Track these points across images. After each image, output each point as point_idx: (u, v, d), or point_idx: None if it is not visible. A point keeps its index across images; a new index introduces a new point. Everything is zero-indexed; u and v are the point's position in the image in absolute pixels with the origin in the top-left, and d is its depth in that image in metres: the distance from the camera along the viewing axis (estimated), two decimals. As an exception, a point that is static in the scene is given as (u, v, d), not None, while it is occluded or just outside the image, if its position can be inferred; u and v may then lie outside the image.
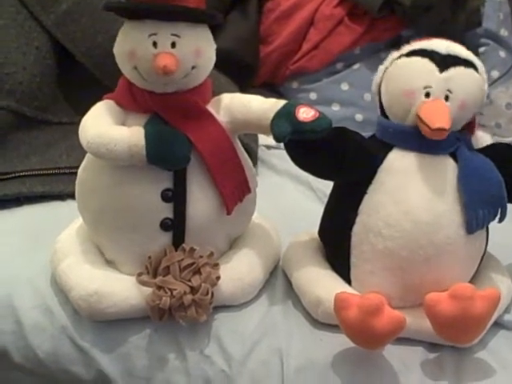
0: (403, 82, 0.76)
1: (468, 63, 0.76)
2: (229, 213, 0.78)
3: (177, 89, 0.75)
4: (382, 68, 0.79)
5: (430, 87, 0.74)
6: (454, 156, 0.76)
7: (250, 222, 0.86)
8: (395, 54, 0.78)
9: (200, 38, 0.75)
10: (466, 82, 0.75)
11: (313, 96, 1.22)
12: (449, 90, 0.74)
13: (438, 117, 0.72)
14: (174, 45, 0.73)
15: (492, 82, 1.17)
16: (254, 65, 1.23)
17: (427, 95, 0.74)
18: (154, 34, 0.73)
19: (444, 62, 0.75)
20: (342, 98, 1.20)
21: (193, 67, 0.74)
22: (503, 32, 1.19)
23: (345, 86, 1.21)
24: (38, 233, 0.91)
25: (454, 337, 0.73)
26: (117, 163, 0.75)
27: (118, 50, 0.76)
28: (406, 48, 0.78)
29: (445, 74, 0.74)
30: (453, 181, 0.75)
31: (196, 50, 0.74)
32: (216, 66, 1.12)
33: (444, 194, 0.75)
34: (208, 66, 0.77)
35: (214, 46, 0.78)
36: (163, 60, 0.71)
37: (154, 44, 0.73)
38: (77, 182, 0.82)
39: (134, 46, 0.73)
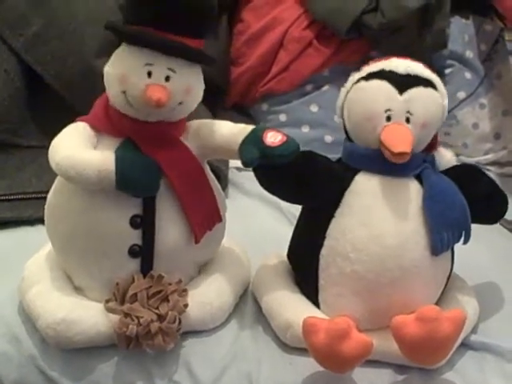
0: (364, 108, 0.76)
1: (427, 82, 0.76)
2: (197, 242, 0.78)
3: (158, 119, 0.75)
4: (343, 91, 0.80)
5: (390, 111, 0.75)
6: (419, 178, 0.77)
7: (220, 246, 0.86)
8: (355, 76, 0.79)
9: (193, 76, 0.75)
10: (426, 102, 0.76)
11: (283, 118, 1.22)
12: (409, 112, 0.75)
13: (400, 141, 0.73)
14: (167, 78, 0.73)
15: (458, 103, 1.19)
16: (224, 87, 1.24)
17: (388, 119, 0.75)
18: (150, 65, 0.72)
19: (403, 83, 0.75)
20: (312, 120, 1.21)
21: (180, 103, 0.75)
22: (468, 54, 1.21)
23: (314, 108, 1.22)
24: (6, 259, 0.90)
25: (421, 359, 0.74)
26: (85, 187, 0.74)
27: (109, 71, 0.75)
28: (365, 70, 0.78)
29: (405, 95, 0.75)
30: (418, 203, 0.76)
31: (187, 88, 0.74)
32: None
33: (409, 216, 0.76)
34: (194, 104, 0.77)
35: (203, 86, 0.78)
36: (157, 93, 0.71)
37: (149, 74, 0.73)
38: (46, 206, 0.81)
39: (128, 72, 0.73)
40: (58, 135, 0.76)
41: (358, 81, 0.78)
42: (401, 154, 0.72)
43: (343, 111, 0.79)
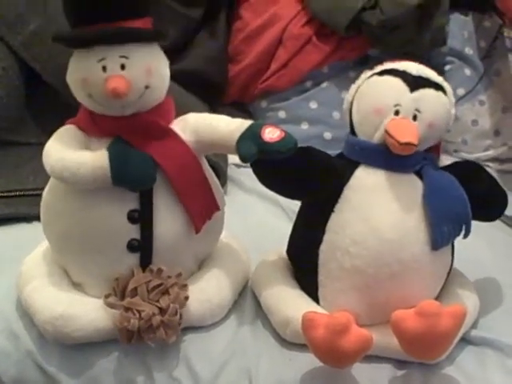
0: (374, 100, 0.77)
1: (437, 86, 0.77)
2: (197, 231, 0.78)
3: (135, 110, 0.75)
4: (354, 86, 0.80)
5: (399, 105, 0.75)
6: (419, 175, 0.77)
7: (219, 241, 0.86)
8: (368, 72, 0.80)
9: (150, 56, 0.75)
10: (435, 103, 0.76)
11: (282, 114, 1.22)
12: (417, 110, 0.75)
13: (407, 132, 0.73)
14: (123, 67, 0.73)
15: (458, 100, 1.18)
16: (222, 84, 1.24)
17: (396, 113, 0.75)
18: (103, 59, 0.72)
19: (415, 82, 0.76)
20: (311, 117, 1.20)
21: (146, 87, 0.74)
22: (468, 50, 1.21)
23: (313, 105, 1.21)
24: (4, 256, 0.89)
25: (421, 353, 0.74)
26: (81, 187, 0.74)
27: (70, 79, 0.75)
28: (379, 68, 0.79)
29: (415, 93, 0.75)
30: (418, 198, 0.76)
31: (147, 69, 0.74)
32: (184, 85, 1.14)
33: (410, 211, 0.76)
34: (162, 84, 0.76)
35: (167, 64, 0.77)
36: (112, 83, 0.71)
37: (104, 68, 0.72)
38: (42, 204, 0.81)
39: (85, 74, 0.73)
40: (50, 140, 0.77)
41: (371, 76, 0.79)
42: (407, 145, 0.72)
43: (352, 105, 0.79)
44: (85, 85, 0.73)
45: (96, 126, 0.76)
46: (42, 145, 0.78)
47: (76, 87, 0.75)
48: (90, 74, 0.73)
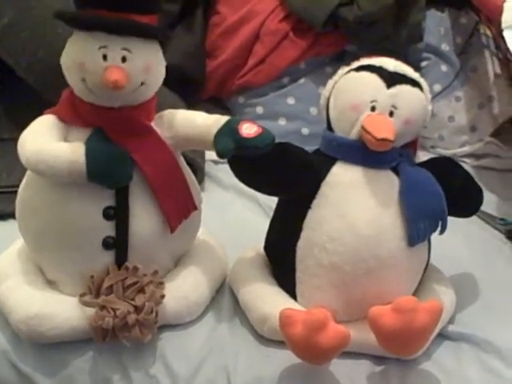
0: (351, 96, 0.77)
1: (414, 82, 0.77)
2: (172, 231, 0.77)
3: (123, 104, 0.74)
4: (331, 82, 0.80)
5: (376, 101, 0.75)
6: (396, 171, 0.78)
7: (196, 238, 0.85)
8: (345, 68, 0.80)
9: (151, 54, 0.74)
10: (411, 99, 0.77)
11: (259, 110, 1.22)
12: (393, 106, 0.76)
13: (383, 128, 0.74)
14: (124, 59, 0.72)
15: (434, 96, 1.19)
16: (199, 79, 1.23)
17: (373, 109, 0.76)
18: (105, 47, 0.71)
19: (391, 78, 0.76)
20: (289, 112, 1.20)
21: (142, 83, 0.74)
22: (444, 46, 1.22)
23: (291, 100, 1.21)
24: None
25: (398, 349, 0.74)
26: (56, 180, 0.73)
27: (65, 60, 0.74)
28: (356, 63, 0.79)
29: (392, 90, 0.76)
30: (395, 195, 0.77)
31: (146, 66, 0.73)
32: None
33: (386, 207, 0.76)
34: (157, 82, 0.76)
35: (164, 63, 0.77)
36: (114, 74, 0.70)
37: (104, 57, 0.71)
38: (17, 201, 0.80)
39: (84, 58, 0.72)
40: (26, 129, 0.75)
41: (348, 72, 0.79)
42: (383, 141, 0.72)
43: (329, 101, 0.79)
44: (81, 69, 0.72)
45: (77, 115, 0.75)
46: (15, 140, 0.76)
47: (70, 69, 0.73)
48: (88, 58, 0.72)
